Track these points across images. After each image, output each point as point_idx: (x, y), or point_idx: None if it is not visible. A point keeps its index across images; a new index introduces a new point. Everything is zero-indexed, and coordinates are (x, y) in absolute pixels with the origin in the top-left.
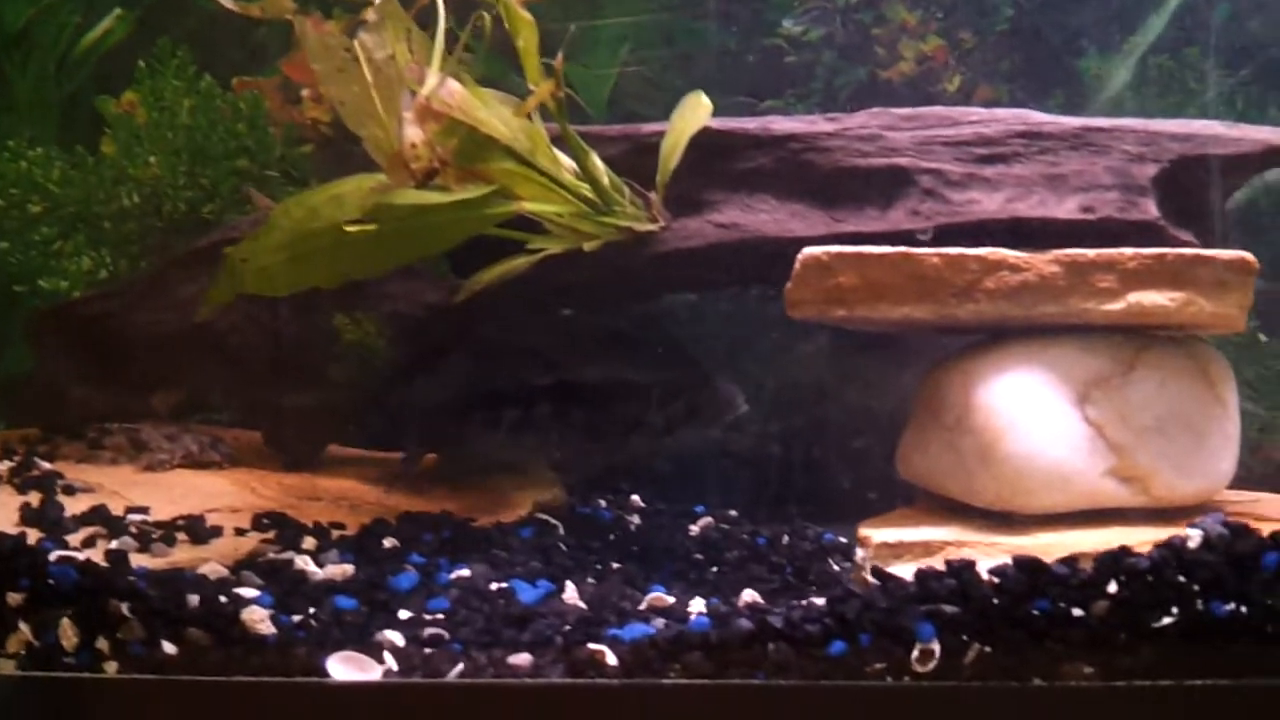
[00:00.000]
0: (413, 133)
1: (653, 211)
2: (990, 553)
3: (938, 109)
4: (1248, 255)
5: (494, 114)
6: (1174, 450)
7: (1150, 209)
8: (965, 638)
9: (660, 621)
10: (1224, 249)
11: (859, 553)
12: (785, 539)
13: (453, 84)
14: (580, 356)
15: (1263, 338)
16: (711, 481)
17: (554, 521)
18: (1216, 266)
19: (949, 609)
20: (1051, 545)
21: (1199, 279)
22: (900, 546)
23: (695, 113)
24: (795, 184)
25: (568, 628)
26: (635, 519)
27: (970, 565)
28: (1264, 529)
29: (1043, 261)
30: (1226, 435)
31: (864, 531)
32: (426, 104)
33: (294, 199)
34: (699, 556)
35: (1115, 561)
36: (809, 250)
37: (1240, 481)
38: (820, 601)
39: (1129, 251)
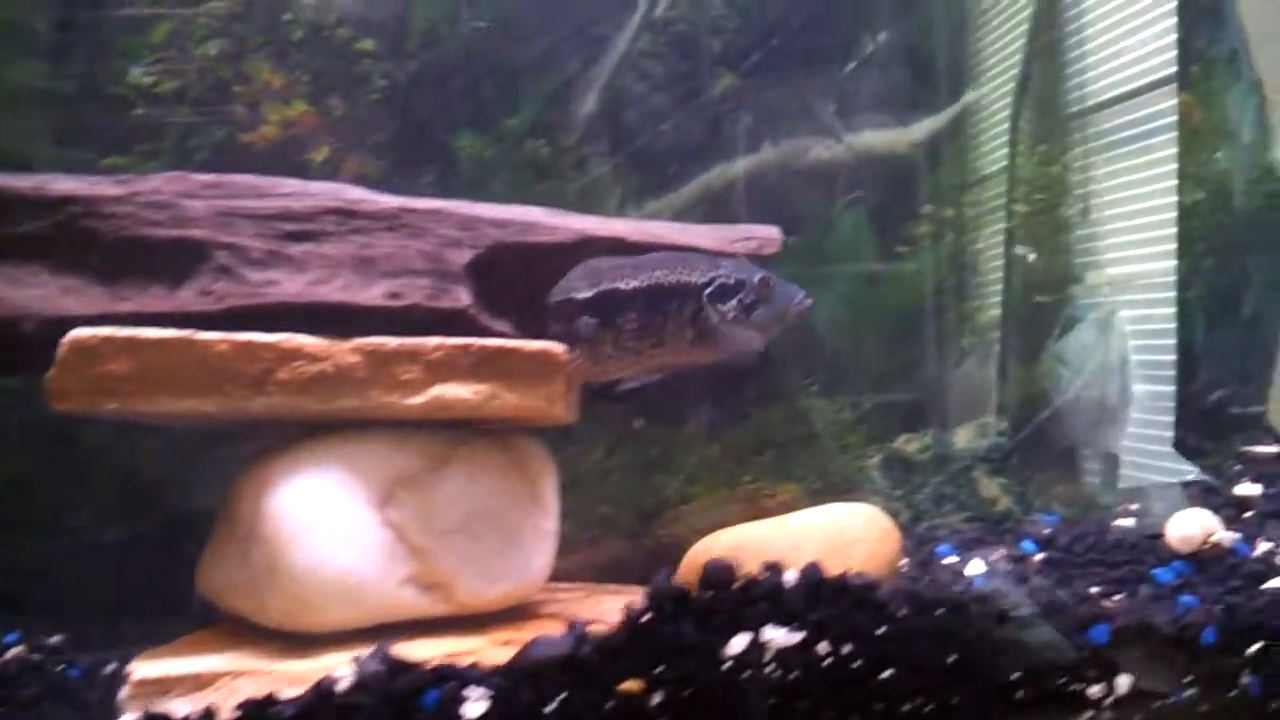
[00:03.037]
0: None
1: None
2: (269, 682)
3: (247, 177)
4: (553, 347)
5: None
6: (480, 552)
7: (462, 297)
8: None
9: None
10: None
11: (121, 691)
12: (110, 668)
13: None
14: None
15: (638, 424)
16: (36, 603)
17: None
18: (522, 358)
19: None
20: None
21: (505, 371)
22: (167, 681)
23: None
24: (75, 255)
25: None
26: None
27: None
28: (435, 660)
29: (343, 350)
30: (541, 532)
31: (132, 664)
32: None
33: None
34: None
35: (260, 712)
36: (76, 332)
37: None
38: None
39: (433, 341)
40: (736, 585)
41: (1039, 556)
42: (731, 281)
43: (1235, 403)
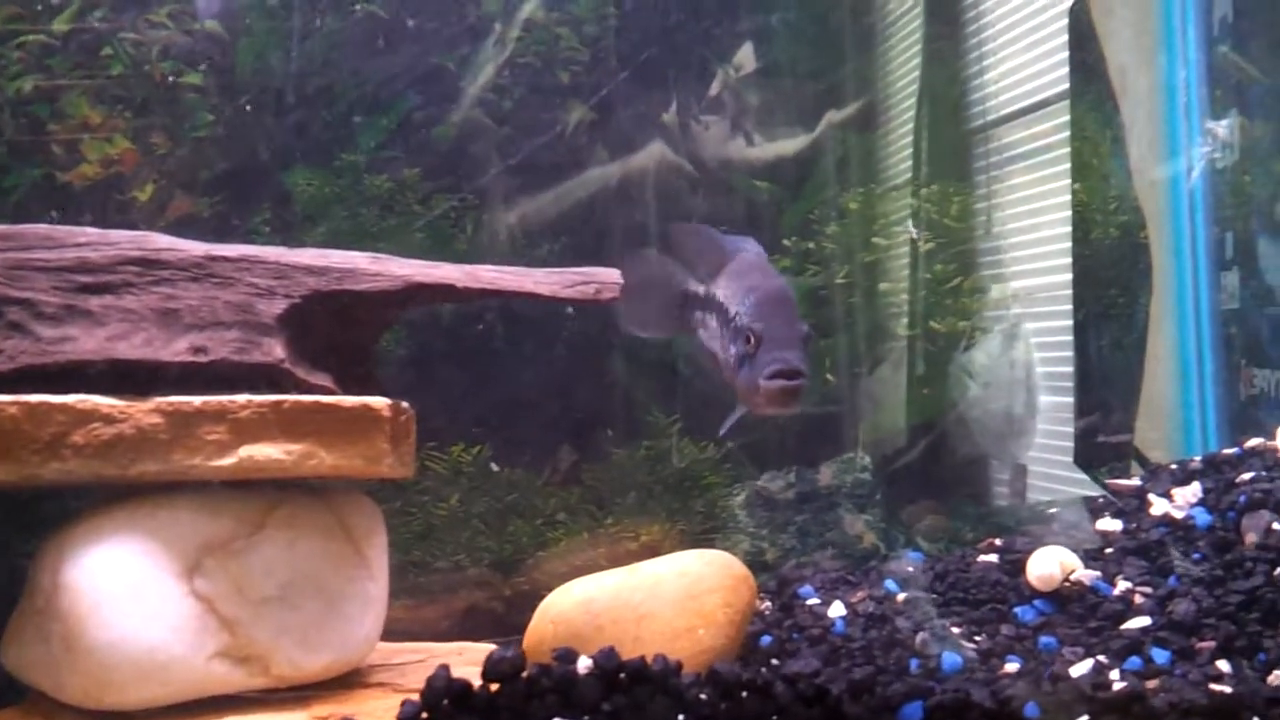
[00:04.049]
0: None
1: None
2: None
3: (41, 227)
4: (374, 401)
5: None
6: (300, 621)
7: (275, 350)
8: None
9: None
10: (375, 393)
11: None
12: None
13: None
14: None
15: (495, 468)
16: None
17: None
18: (340, 415)
19: None
20: None
21: (322, 428)
22: None
23: None
24: None
25: None
26: None
27: None
28: None
29: (142, 411)
30: (367, 597)
31: None
32: None
33: None
34: None
35: None
36: None
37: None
38: None
39: (241, 399)
40: (524, 676)
41: (901, 596)
42: (741, 324)
43: (1103, 431)
